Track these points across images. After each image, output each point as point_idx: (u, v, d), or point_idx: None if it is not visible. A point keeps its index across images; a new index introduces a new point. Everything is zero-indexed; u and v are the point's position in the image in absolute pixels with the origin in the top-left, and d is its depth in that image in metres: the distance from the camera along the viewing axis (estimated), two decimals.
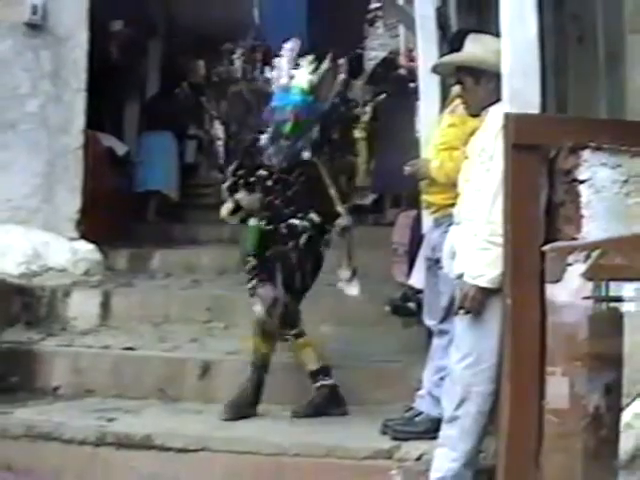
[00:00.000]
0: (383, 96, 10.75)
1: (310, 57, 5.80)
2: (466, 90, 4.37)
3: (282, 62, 5.81)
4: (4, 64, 7.70)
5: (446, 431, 4.25)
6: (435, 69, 4.93)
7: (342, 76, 6.04)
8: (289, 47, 5.80)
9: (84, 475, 5.17)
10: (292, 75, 5.74)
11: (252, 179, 5.82)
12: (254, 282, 5.60)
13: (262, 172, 5.77)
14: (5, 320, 6.23)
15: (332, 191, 5.64)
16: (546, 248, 3.73)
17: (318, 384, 5.43)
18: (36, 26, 7.70)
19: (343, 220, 5.63)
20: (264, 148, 5.81)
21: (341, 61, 6.16)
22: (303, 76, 5.72)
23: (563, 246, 3.73)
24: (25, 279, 6.92)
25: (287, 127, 5.63)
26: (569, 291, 3.66)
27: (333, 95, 5.86)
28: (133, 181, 10.47)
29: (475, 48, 4.34)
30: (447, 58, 4.60)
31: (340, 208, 5.64)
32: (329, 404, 5.41)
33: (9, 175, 7.64)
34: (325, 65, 5.79)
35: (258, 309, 5.45)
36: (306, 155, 5.77)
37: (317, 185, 5.63)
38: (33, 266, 7.23)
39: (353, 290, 5.78)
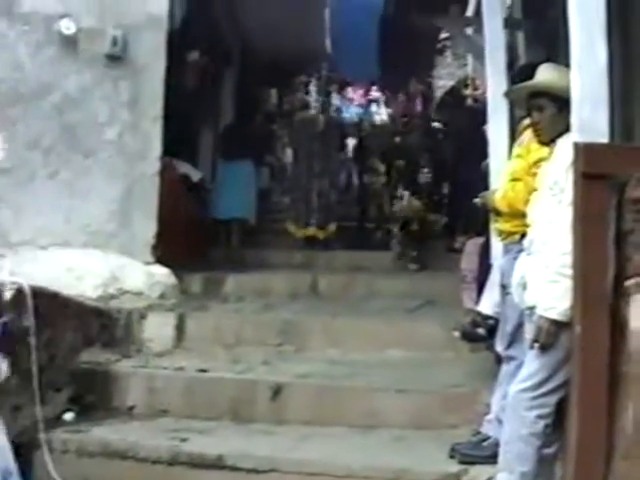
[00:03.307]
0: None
1: None
2: (545, 117, 4.31)
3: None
4: (84, 94, 7.92)
5: (504, 455, 4.31)
6: (508, 94, 4.99)
7: None
8: None
9: None
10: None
11: None
12: None
13: None
14: (83, 341, 6.33)
15: None
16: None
17: None
18: (116, 57, 7.89)
19: None
20: None
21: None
22: None
23: None
24: (102, 301, 7.05)
25: None
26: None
27: None
28: (209, 207, 10.63)
29: (557, 76, 4.32)
30: (532, 82, 4.43)
31: None
32: None
33: (88, 201, 7.84)
34: None
35: None
36: None
37: None
38: (110, 289, 7.38)
39: None
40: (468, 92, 11.66)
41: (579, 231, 3.91)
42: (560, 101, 4.21)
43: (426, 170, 11.86)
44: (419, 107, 14.20)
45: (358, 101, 14.73)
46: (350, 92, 14.72)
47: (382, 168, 12.71)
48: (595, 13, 3.96)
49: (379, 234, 11.90)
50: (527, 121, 4.77)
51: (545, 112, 4.31)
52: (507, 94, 5.01)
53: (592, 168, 3.89)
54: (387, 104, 15.13)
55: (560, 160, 4.13)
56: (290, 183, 12.17)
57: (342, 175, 13.08)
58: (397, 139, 13.42)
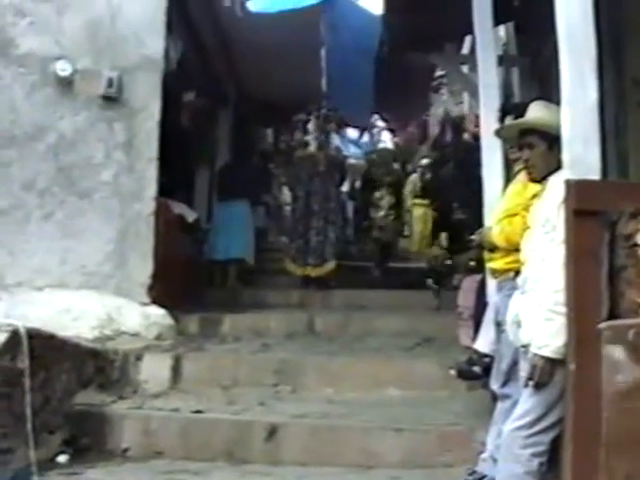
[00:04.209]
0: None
1: None
2: (536, 155, 4.31)
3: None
4: (80, 135, 7.95)
5: None
6: (499, 132, 5.00)
7: None
8: None
9: None
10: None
11: None
12: None
13: None
14: (79, 383, 6.31)
15: None
16: (602, 326, 3.77)
17: None
18: (111, 98, 7.93)
19: None
20: None
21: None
22: None
23: (619, 325, 3.79)
24: (99, 343, 7.02)
25: None
26: None
27: None
28: (207, 248, 10.62)
29: (546, 114, 4.33)
30: (521, 120, 4.47)
31: None
32: None
33: (84, 242, 7.85)
34: None
35: None
36: None
37: None
38: (106, 330, 7.37)
39: None
40: (470, 128, 11.68)
41: (572, 268, 3.90)
42: (550, 138, 4.22)
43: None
44: (424, 139, 14.28)
45: (358, 137, 14.80)
46: (350, 129, 14.79)
47: (390, 200, 12.49)
48: (585, 50, 3.97)
49: (380, 272, 11.91)
50: (521, 163, 4.76)
51: (536, 149, 4.31)
52: (498, 132, 5.02)
53: (584, 205, 3.89)
54: (393, 134, 15.18)
55: (551, 197, 4.12)
56: (288, 221, 12.15)
57: (341, 213, 13.06)
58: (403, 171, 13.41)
